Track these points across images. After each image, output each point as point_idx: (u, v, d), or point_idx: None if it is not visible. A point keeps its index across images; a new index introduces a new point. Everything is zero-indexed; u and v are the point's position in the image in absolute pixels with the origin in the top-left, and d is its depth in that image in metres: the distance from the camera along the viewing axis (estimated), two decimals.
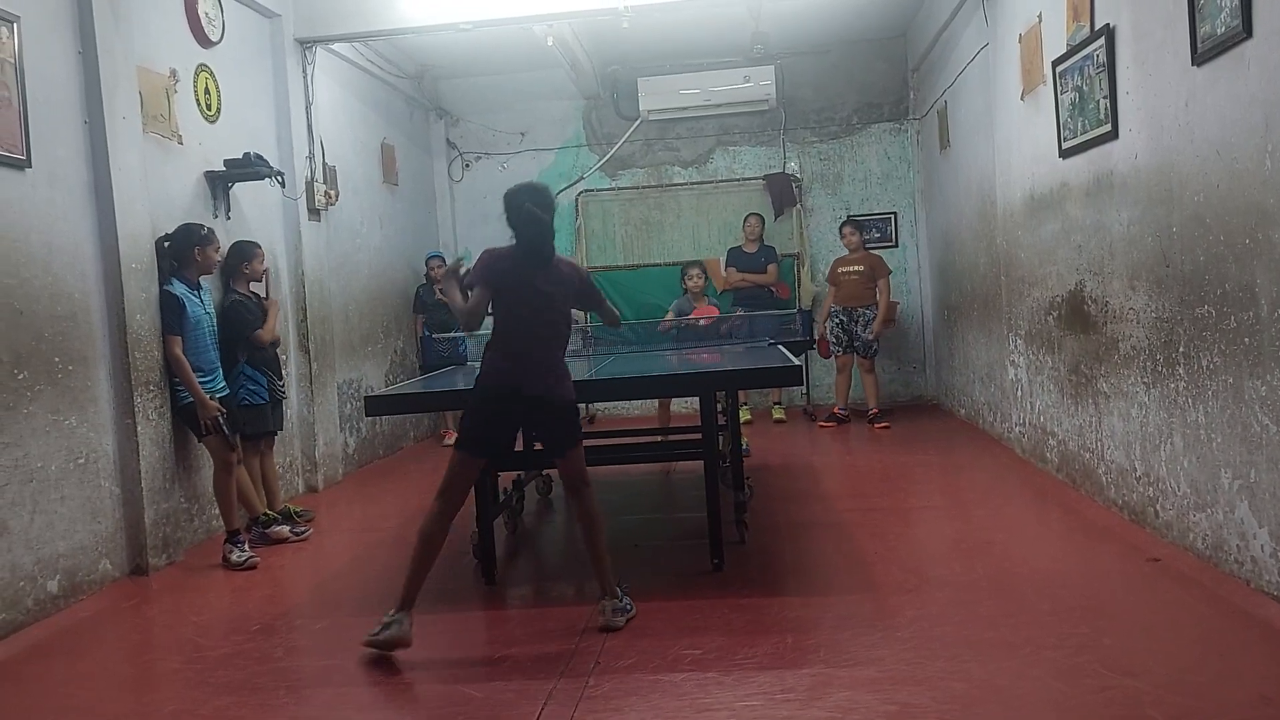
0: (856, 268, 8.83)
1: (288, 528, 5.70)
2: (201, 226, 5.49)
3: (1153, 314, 4.47)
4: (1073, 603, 3.84)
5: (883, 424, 8.52)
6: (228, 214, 6.18)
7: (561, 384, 3.97)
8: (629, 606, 3.94)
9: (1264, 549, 3.67)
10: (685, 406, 9.90)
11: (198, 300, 5.39)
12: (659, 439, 6.86)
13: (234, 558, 5.16)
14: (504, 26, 7.44)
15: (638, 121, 10.32)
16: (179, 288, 5.29)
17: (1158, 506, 4.55)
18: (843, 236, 9.06)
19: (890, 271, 8.92)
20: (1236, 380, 3.77)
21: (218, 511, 5.43)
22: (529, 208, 3.86)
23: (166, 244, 5.36)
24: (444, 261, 9.31)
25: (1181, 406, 4.24)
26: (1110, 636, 3.48)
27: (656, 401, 8.56)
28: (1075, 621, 3.63)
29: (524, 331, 3.91)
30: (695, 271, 7.90)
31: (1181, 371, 4.22)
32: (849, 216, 9.45)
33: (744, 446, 6.55)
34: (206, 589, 4.89)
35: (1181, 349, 4.21)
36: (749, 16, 8.58)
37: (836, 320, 8.84)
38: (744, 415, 8.64)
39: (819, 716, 2.99)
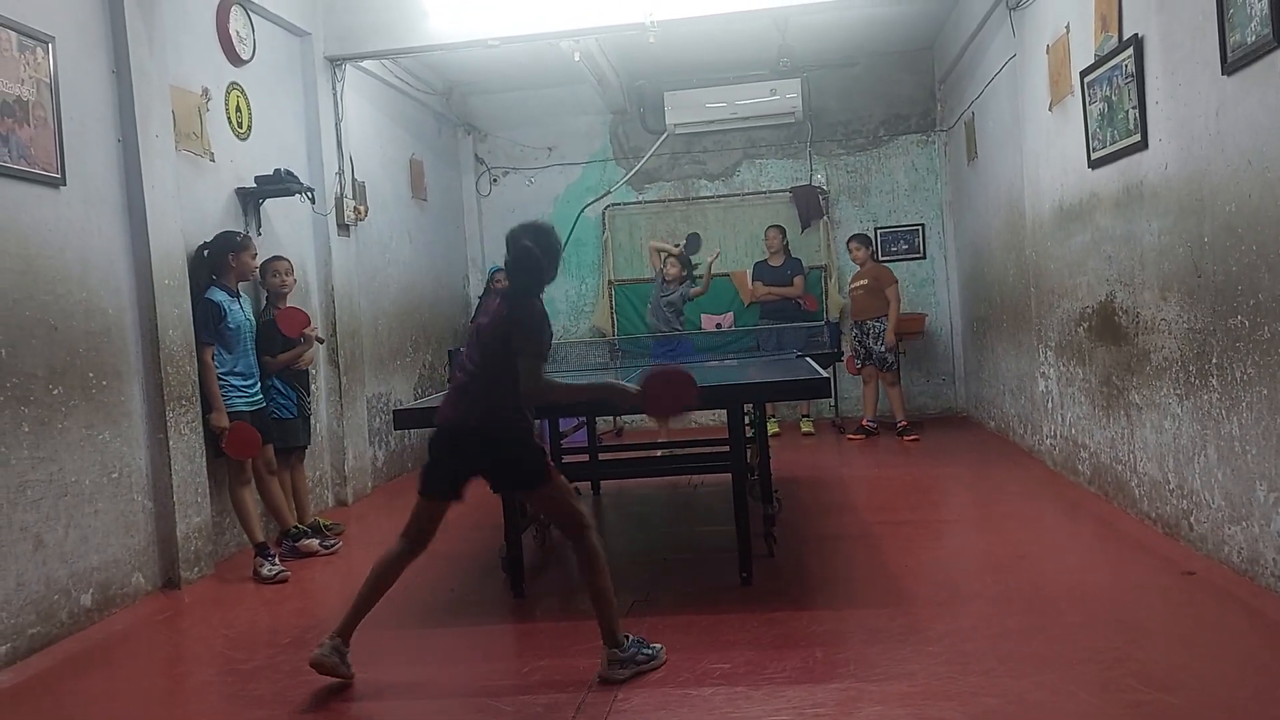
0: (862, 281, 8.85)
1: (317, 541, 5.73)
2: (238, 233, 5.57)
3: (1185, 325, 4.43)
4: (1106, 617, 3.80)
5: (912, 436, 8.48)
6: (259, 230, 6.25)
7: (498, 419, 3.61)
8: (640, 656, 3.56)
9: None
10: (691, 421, 9.94)
11: (238, 307, 5.46)
12: (685, 451, 6.85)
13: (264, 571, 5.19)
14: (531, 42, 7.49)
15: (664, 135, 10.34)
16: (219, 295, 5.36)
17: (1192, 519, 4.50)
18: (850, 252, 9.08)
19: (896, 280, 8.88)
20: (1271, 391, 3.72)
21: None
22: (522, 240, 3.65)
23: (206, 252, 5.45)
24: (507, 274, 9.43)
25: (1215, 418, 4.19)
26: (1145, 651, 3.43)
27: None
28: (1109, 636, 3.59)
29: (467, 368, 3.71)
30: (671, 260, 8.54)
31: (1215, 383, 4.17)
32: (855, 233, 9.43)
33: None
34: (238, 602, 4.93)
35: (1214, 360, 4.16)
36: (775, 30, 8.60)
37: (854, 335, 8.86)
38: (772, 428, 8.62)
39: None
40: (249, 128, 6.33)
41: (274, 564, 5.24)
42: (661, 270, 8.59)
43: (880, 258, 10.07)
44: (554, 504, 3.73)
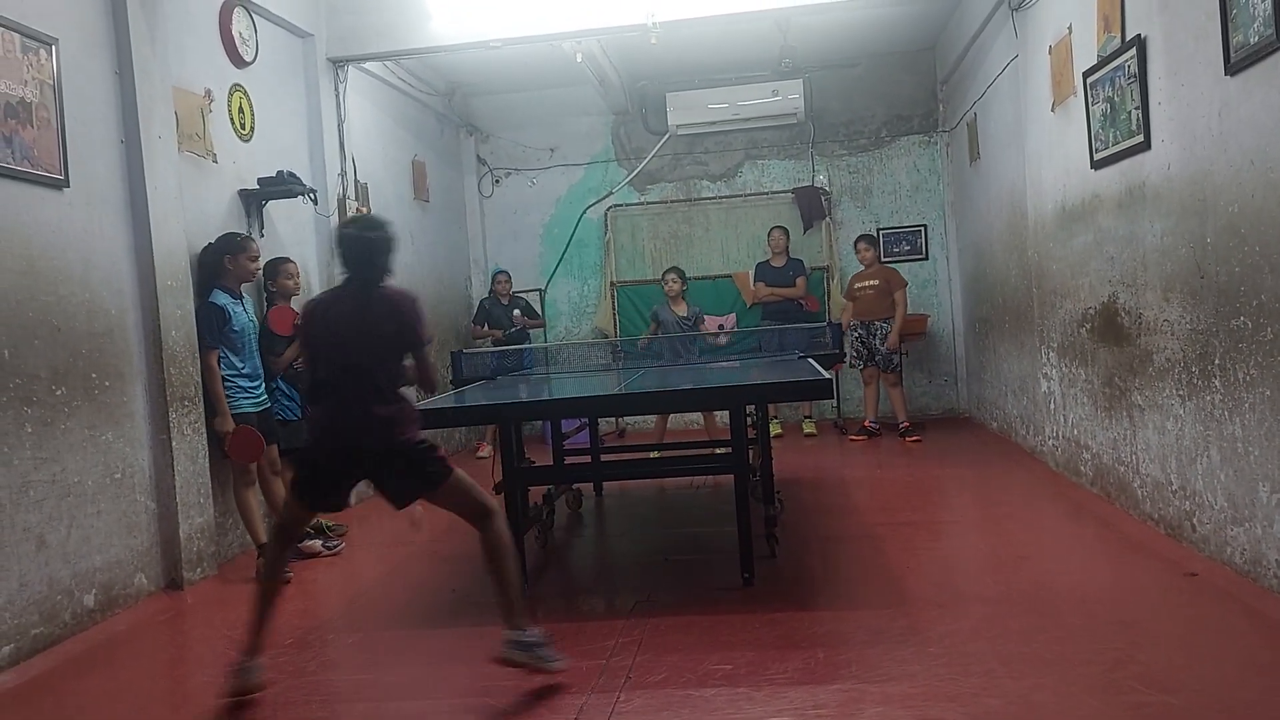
0: (872, 282, 8.81)
1: (320, 542, 5.74)
2: (236, 235, 5.57)
3: (1187, 326, 4.42)
4: (1108, 618, 3.80)
5: (914, 437, 8.47)
6: (261, 231, 6.25)
7: (392, 429, 3.51)
8: (539, 651, 3.49)
9: None
10: (685, 423, 9.96)
11: (241, 309, 5.46)
12: (688, 453, 6.87)
13: None
14: (533, 44, 7.49)
15: (666, 136, 10.35)
16: (222, 298, 5.37)
17: (1194, 520, 4.49)
18: (857, 252, 9.05)
19: (906, 284, 8.87)
20: (1274, 393, 3.72)
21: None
22: (352, 231, 3.60)
23: (210, 253, 5.47)
24: (509, 276, 9.51)
25: (1218, 419, 4.19)
26: (1146, 652, 3.43)
27: (671, 414, 8.76)
28: (1111, 637, 3.59)
29: (339, 380, 3.52)
30: (671, 276, 8.41)
31: (1218, 384, 4.17)
32: (863, 233, 9.43)
33: None
34: (240, 603, 4.90)
35: (1217, 361, 4.16)
36: (777, 31, 8.61)
37: (856, 335, 8.82)
38: (774, 429, 8.62)
39: None
40: (251, 129, 6.33)
41: None
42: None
43: (883, 259, 10.08)
44: (463, 495, 3.61)
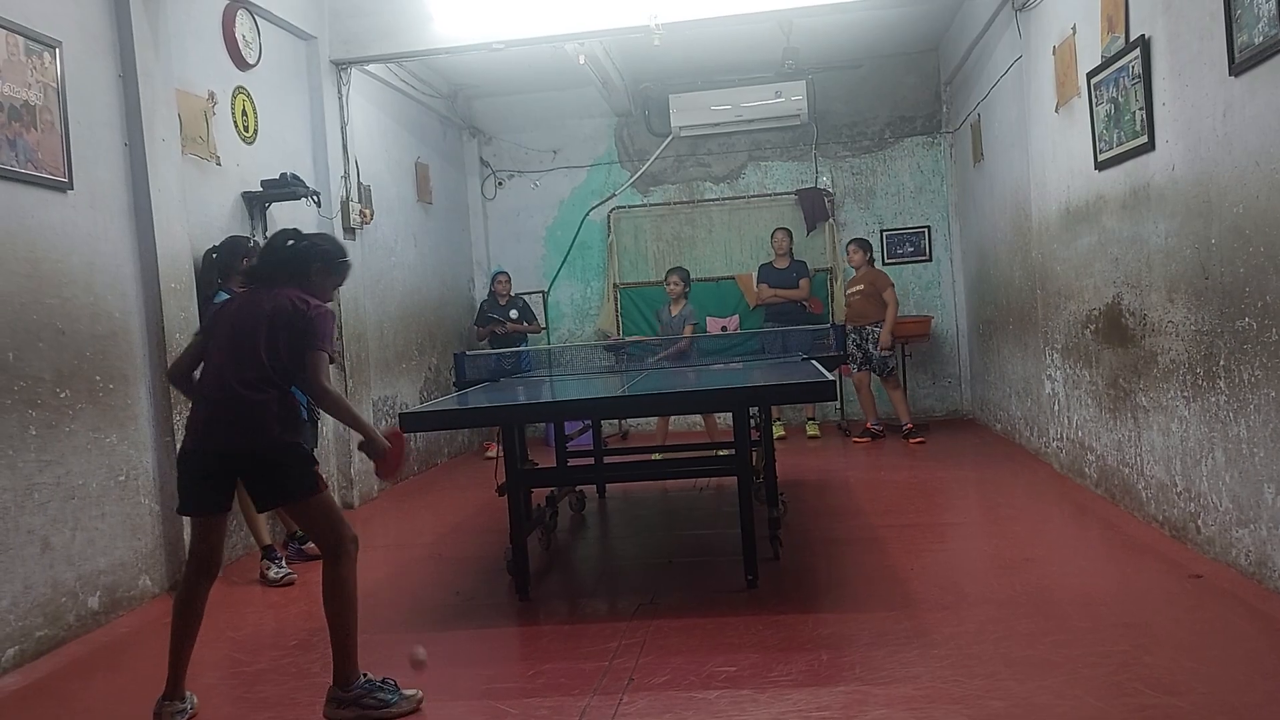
0: (859, 286, 8.80)
1: None
2: (248, 239, 5.59)
3: (1192, 327, 4.42)
4: (1113, 620, 3.79)
5: (918, 439, 8.46)
6: (265, 234, 6.25)
7: (255, 434, 3.32)
8: (371, 700, 3.30)
9: None
10: (688, 424, 9.97)
11: None
12: (691, 455, 6.86)
13: (271, 574, 5.20)
14: (536, 46, 7.50)
15: (669, 138, 10.35)
16: (225, 299, 5.37)
17: (1199, 522, 4.48)
18: (848, 255, 9.03)
19: (892, 284, 8.83)
20: (1279, 394, 3.71)
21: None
22: (275, 236, 3.56)
23: (214, 255, 5.46)
24: (509, 277, 9.53)
25: (1223, 420, 4.18)
26: (1151, 654, 3.42)
27: (676, 417, 8.80)
28: (1115, 639, 3.58)
29: (212, 377, 3.40)
30: (674, 278, 8.46)
31: (1222, 385, 4.16)
32: (854, 236, 9.42)
33: None
34: (244, 605, 4.93)
35: (1222, 362, 4.15)
36: (780, 32, 8.60)
37: (851, 339, 8.80)
38: (778, 431, 8.62)
39: None
40: (255, 131, 6.34)
41: (280, 567, 5.24)
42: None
43: (886, 260, 10.08)
44: (318, 522, 3.41)
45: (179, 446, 3.49)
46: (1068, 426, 6.38)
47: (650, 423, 10.27)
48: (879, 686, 3.30)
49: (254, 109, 6.34)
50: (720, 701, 3.27)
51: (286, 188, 6.22)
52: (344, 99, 7.40)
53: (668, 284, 8.48)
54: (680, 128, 10.11)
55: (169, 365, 3.36)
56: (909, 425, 8.65)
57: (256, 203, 6.22)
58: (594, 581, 5.30)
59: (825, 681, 3.38)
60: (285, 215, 6.54)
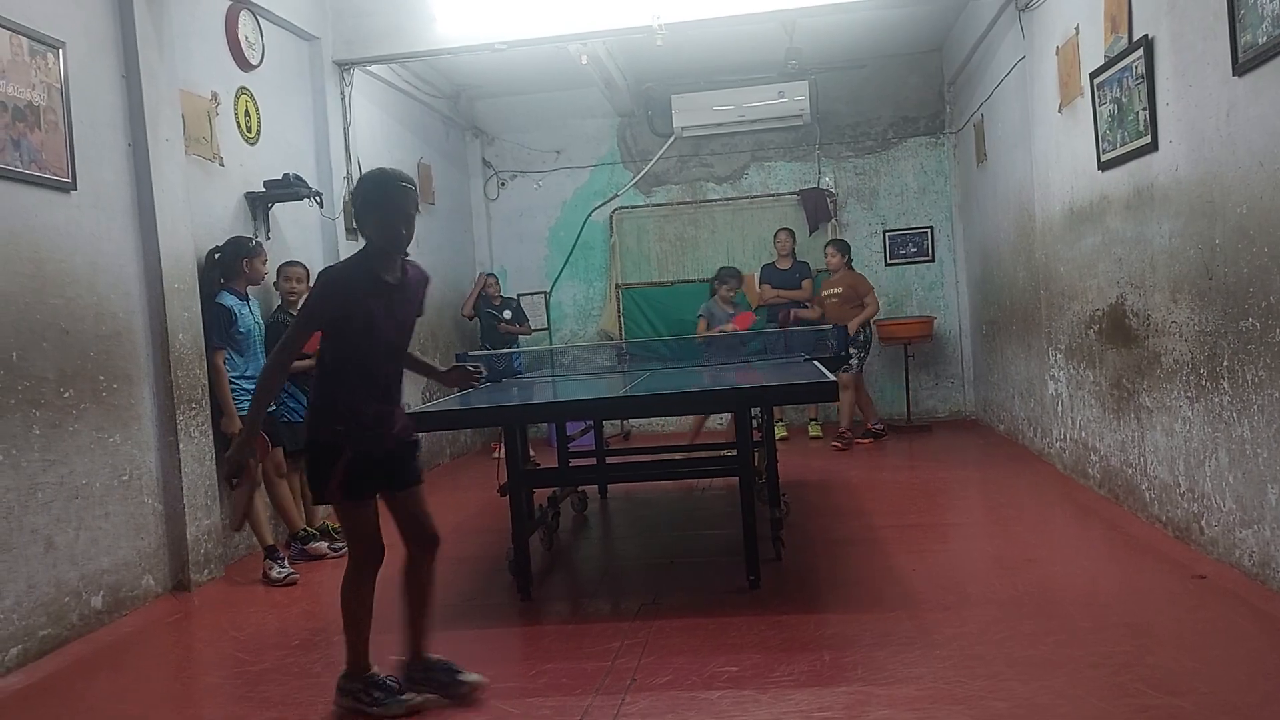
0: (836, 289, 8.74)
1: (326, 544, 5.74)
2: (250, 239, 5.59)
3: (1196, 327, 4.41)
4: (1116, 620, 3.79)
5: (840, 445, 8.42)
6: (267, 234, 6.26)
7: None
8: (366, 696, 3.37)
9: None
10: (688, 425, 9.96)
11: (248, 311, 5.48)
12: (693, 455, 6.86)
13: (274, 574, 5.20)
14: (538, 46, 7.49)
15: (672, 138, 10.34)
16: (229, 299, 5.39)
17: (1203, 523, 4.48)
18: (826, 257, 8.98)
19: (873, 288, 8.79)
20: None
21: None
22: (396, 183, 3.57)
23: (217, 255, 5.47)
24: (498, 279, 9.55)
25: (1226, 421, 4.17)
26: (1154, 655, 3.42)
27: (692, 417, 8.81)
28: (1118, 640, 3.57)
29: (387, 362, 3.51)
30: (733, 283, 8.47)
31: (1226, 385, 4.15)
32: (832, 238, 9.40)
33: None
34: (247, 604, 4.94)
35: (1226, 363, 4.14)
36: (783, 32, 8.60)
37: None
38: (780, 432, 8.61)
39: None
40: (258, 132, 6.35)
41: (283, 567, 5.25)
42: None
43: (889, 261, 10.07)
44: (341, 523, 3.54)
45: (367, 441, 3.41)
46: (1071, 427, 6.38)
47: (652, 423, 10.28)
48: (881, 687, 3.30)
49: (257, 109, 6.35)
50: (722, 702, 3.27)
51: (289, 188, 6.23)
52: (346, 99, 7.41)
53: (725, 286, 8.52)
54: (683, 128, 10.10)
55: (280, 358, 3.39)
56: (844, 430, 8.58)
57: (259, 203, 6.22)
58: (596, 582, 5.30)
59: (828, 682, 3.38)
60: (288, 215, 6.56)
